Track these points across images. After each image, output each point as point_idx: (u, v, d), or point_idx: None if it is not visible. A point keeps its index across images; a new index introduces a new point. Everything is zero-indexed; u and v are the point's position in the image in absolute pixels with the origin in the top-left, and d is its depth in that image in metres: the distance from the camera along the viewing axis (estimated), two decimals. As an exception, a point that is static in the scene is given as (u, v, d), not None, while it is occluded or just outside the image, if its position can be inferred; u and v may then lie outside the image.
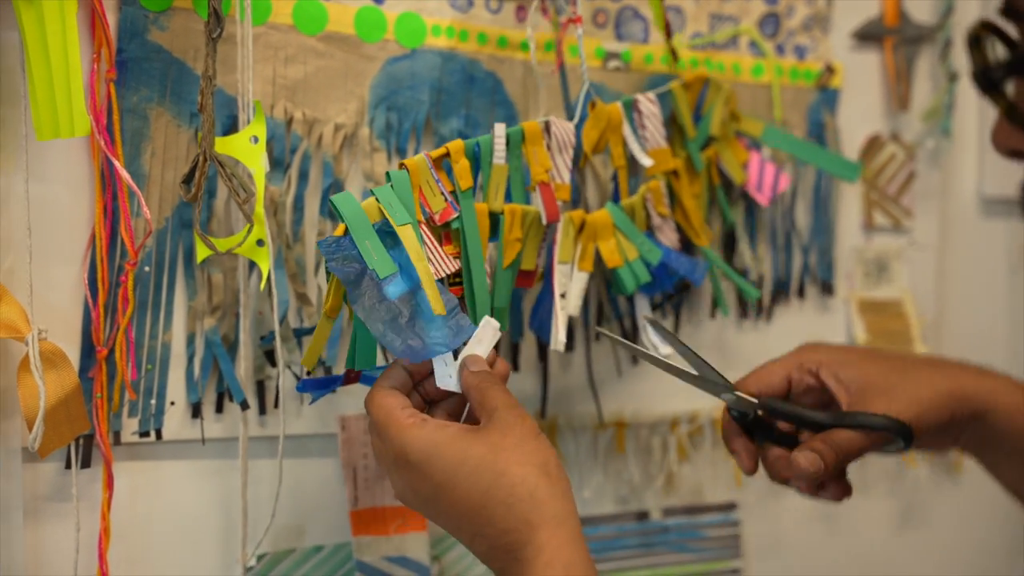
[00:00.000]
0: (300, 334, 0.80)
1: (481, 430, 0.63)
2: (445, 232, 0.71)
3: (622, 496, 0.99)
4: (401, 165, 0.69)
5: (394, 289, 0.65)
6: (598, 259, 0.81)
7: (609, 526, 0.99)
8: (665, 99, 0.86)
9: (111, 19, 0.71)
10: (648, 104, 0.84)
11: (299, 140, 0.79)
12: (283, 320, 0.78)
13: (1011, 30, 0.48)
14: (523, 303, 0.89)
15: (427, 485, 0.62)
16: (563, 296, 0.78)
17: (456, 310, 0.67)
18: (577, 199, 0.88)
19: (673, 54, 0.91)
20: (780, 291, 1.04)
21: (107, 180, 0.72)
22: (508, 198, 0.76)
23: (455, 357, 0.68)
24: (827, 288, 1.07)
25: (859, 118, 1.07)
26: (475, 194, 0.74)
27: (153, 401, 0.76)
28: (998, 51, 0.49)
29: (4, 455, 0.71)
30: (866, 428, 0.72)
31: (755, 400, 0.75)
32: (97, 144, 0.70)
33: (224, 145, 0.71)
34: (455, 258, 0.71)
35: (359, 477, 0.83)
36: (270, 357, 0.79)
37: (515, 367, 0.90)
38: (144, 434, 0.76)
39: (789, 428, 0.77)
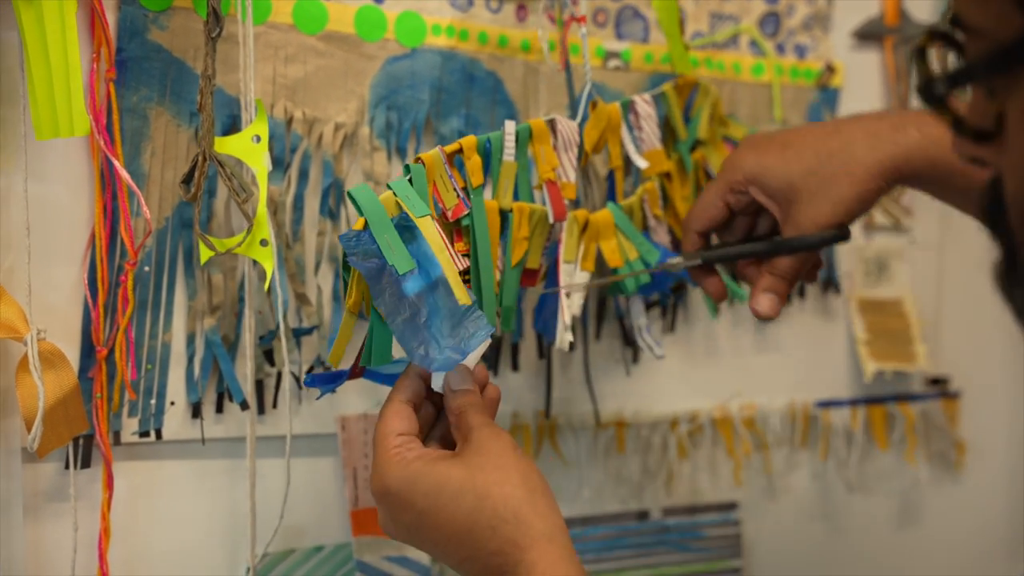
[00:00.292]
0: (299, 334, 0.80)
1: (458, 454, 0.63)
2: (456, 229, 0.71)
3: (622, 496, 0.99)
4: (417, 159, 0.69)
5: (412, 285, 0.65)
6: (599, 259, 0.81)
7: (609, 526, 0.99)
8: (659, 101, 0.86)
9: (111, 19, 0.71)
10: (645, 105, 0.84)
11: (299, 139, 0.79)
12: (282, 320, 0.78)
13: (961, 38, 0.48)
14: (523, 303, 0.89)
15: (409, 514, 0.62)
16: (568, 295, 0.78)
17: (474, 307, 0.66)
18: (580, 198, 0.88)
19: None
20: (780, 291, 1.04)
21: (107, 180, 0.71)
22: (515, 196, 0.76)
23: None
24: (827, 287, 1.07)
25: (859, 117, 1.07)
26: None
27: (153, 401, 0.76)
28: (950, 62, 0.48)
29: (4, 455, 0.70)
30: (804, 249, 0.76)
31: (698, 260, 0.80)
32: (97, 144, 0.70)
33: (225, 145, 0.71)
34: (464, 256, 0.70)
35: (359, 477, 0.83)
36: (269, 357, 0.79)
37: (515, 367, 0.90)
38: (144, 434, 0.76)
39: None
